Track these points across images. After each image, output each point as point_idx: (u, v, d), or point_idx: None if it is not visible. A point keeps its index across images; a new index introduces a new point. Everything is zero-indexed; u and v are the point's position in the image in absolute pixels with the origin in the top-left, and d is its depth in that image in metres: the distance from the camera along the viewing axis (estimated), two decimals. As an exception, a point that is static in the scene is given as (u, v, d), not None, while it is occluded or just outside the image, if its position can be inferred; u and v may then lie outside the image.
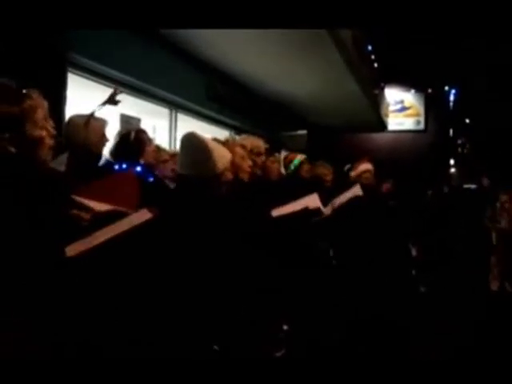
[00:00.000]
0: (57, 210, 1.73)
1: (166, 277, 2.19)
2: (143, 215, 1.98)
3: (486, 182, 9.53)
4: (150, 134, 3.53)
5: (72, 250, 1.70)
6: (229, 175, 2.57)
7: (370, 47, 11.36)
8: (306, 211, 2.99)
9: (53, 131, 1.77)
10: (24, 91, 1.74)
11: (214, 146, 2.52)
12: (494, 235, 8.35)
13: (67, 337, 1.67)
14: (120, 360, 1.94)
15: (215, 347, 2.22)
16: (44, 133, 1.72)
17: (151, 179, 3.18)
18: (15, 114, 1.67)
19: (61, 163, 2.13)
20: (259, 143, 3.24)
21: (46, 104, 1.79)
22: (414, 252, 7.01)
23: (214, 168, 2.43)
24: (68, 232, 1.73)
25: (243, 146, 3.01)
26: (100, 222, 1.93)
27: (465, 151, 16.94)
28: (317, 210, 3.12)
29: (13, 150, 1.64)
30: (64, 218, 1.78)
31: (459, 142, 16.83)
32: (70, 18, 3.50)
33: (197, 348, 2.20)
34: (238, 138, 5.00)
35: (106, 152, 3.34)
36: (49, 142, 1.75)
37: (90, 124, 2.62)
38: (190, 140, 2.51)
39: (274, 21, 4.21)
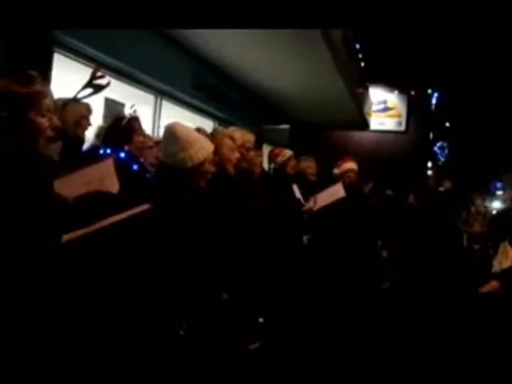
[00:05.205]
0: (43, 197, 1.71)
1: (145, 263, 2.21)
2: (141, 207, 1.98)
3: (448, 185, 9.71)
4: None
5: (68, 237, 1.69)
6: (209, 167, 2.56)
7: (357, 46, 11.42)
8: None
9: (56, 123, 1.74)
10: (35, 76, 1.71)
11: (193, 137, 2.53)
12: (465, 238, 8.55)
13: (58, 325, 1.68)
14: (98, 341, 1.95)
15: (181, 332, 2.24)
16: (46, 123, 1.69)
17: (135, 167, 3.17)
18: (21, 94, 1.65)
19: (55, 152, 2.12)
20: (250, 138, 3.22)
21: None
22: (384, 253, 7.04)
23: (189, 160, 2.46)
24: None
25: (233, 138, 3.00)
26: (83, 206, 1.92)
27: (443, 155, 17.22)
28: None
29: (7, 128, 1.62)
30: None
31: (438, 144, 17.09)
32: (63, 17, 3.44)
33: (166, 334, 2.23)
34: (221, 128, 4.99)
35: (91, 137, 3.33)
36: (49, 133, 1.72)
37: (70, 107, 2.61)
38: (170, 130, 2.54)
39: (265, 21, 4.19)
